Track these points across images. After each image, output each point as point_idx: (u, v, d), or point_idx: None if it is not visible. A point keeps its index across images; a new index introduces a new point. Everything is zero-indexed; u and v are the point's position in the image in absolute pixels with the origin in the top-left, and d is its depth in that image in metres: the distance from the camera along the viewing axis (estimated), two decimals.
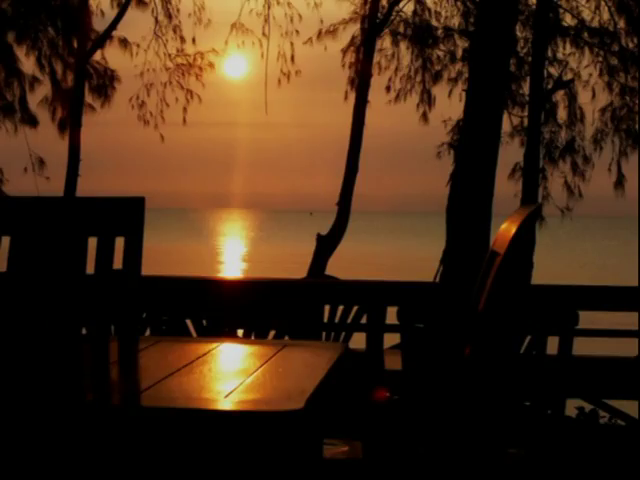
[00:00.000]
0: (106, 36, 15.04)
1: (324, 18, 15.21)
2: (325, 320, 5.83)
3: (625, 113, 14.94)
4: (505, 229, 3.21)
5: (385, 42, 15.22)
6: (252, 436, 2.22)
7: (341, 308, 5.86)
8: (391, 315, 5.01)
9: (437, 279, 10.82)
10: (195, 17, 15.15)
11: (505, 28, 9.16)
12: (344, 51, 15.31)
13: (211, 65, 15.37)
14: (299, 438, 2.29)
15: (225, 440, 2.24)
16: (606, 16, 14.48)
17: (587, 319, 4.76)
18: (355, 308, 5.83)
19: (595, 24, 14.55)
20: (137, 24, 15.61)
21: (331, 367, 2.79)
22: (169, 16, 15.34)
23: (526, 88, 14.27)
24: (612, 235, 64.66)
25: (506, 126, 13.87)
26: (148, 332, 5.64)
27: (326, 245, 14.66)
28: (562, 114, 14.98)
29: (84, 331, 3.34)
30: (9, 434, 2.29)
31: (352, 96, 15.04)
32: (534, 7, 13.96)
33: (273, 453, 2.24)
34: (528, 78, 13.98)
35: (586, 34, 14.55)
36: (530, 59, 13.97)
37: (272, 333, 5.72)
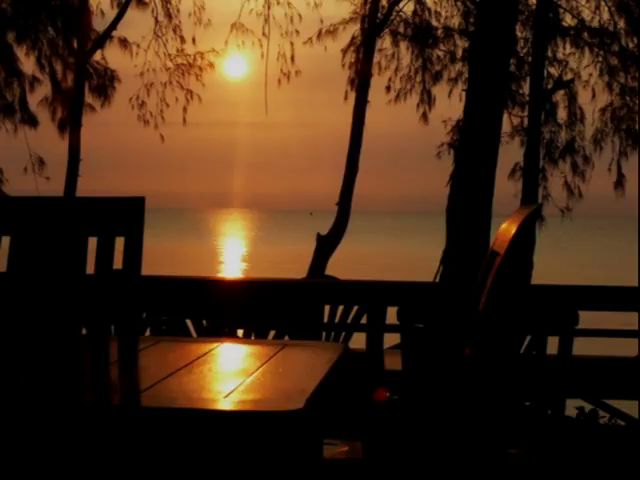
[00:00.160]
0: (106, 36, 15.04)
1: (324, 18, 15.23)
2: (325, 320, 5.83)
3: (625, 113, 14.94)
4: (505, 229, 3.21)
5: (385, 42, 15.24)
6: (252, 436, 2.22)
7: (341, 308, 5.87)
8: (391, 315, 5.01)
9: (437, 279, 10.82)
10: (195, 17, 15.16)
11: (505, 28, 9.16)
12: (344, 51, 15.33)
13: (211, 65, 15.38)
14: (299, 438, 2.29)
15: (225, 440, 2.24)
16: (606, 16, 14.50)
17: (587, 319, 4.76)
18: (355, 308, 5.83)
19: (595, 24, 14.56)
20: (137, 24, 15.64)
21: (331, 367, 2.79)
22: (169, 16, 15.35)
23: (526, 88, 14.29)
24: (612, 235, 64.65)
25: (506, 126, 13.89)
26: (148, 332, 5.64)
27: (326, 245, 14.66)
28: (562, 114, 15.00)
29: (84, 331, 3.34)
30: (9, 434, 2.29)
31: (352, 96, 15.07)
32: (534, 7, 13.96)
33: (273, 453, 2.24)
34: (528, 78, 14.00)
35: (586, 34, 14.56)
36: (530, 59, 13.98)
37: (272, 333, 5.72)
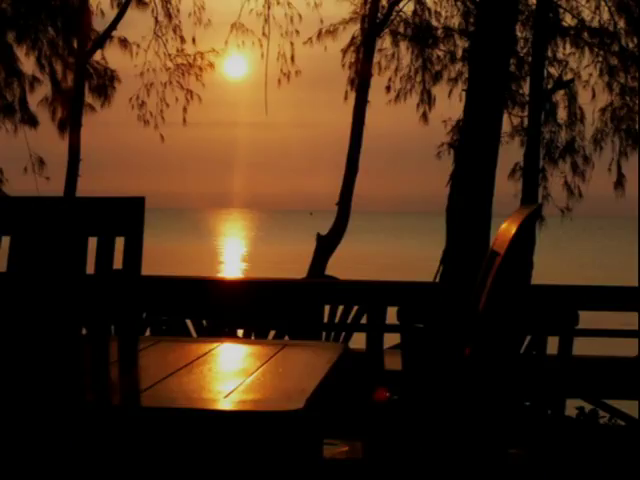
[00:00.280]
0: (106, 36, 15.04)
1: (324, 18, 15.23)
2: (325, 320, 5.83)
3: (625, 113, 14.94)
4: (505, 229, 3.21)
5: (385, 42, 15.24)
6: (252, 436, 2.22)
7: (341, 308, 5.87)
8: (391, 315, 5.01)
9: (437, 279, 10.82)
10: (195, 17, 15.17)
11: (505, 28, 9.16)
12: (344, 51, 15.33)
13: (211, 65, 15.38)
14: (299, 438, 2.29)
15: (225, 440, 2.24)
16: (606, 16, 14.51)
17: (587, 319, 4.76)
18: (355, 308, 5.83)
19: (595, 24, 14.57)
20: (137, 24, 15.64)
21: (331, 367, 2.79)
22: (169, 16, 15.35)
23: (526, 88, 14.29)
24: (612, 235, 64.64)
25: (506, 126, 13.89)
26: (148, 332, 5.64)
27: (326, 245, 14.66)
28: (562, 114, 15.01)
29: (84, 331, 3.34)
30: (9, 434, 2.29)
31: (352, 96, 15.07)
32: (534, 7, 13.96)
33: (273, 453, 2.24)
34: (528, 78, 13.99)
35: (586, 34, 14.56)
36: (530, 59, 13.98)
37: (272, 333, 5.72)
